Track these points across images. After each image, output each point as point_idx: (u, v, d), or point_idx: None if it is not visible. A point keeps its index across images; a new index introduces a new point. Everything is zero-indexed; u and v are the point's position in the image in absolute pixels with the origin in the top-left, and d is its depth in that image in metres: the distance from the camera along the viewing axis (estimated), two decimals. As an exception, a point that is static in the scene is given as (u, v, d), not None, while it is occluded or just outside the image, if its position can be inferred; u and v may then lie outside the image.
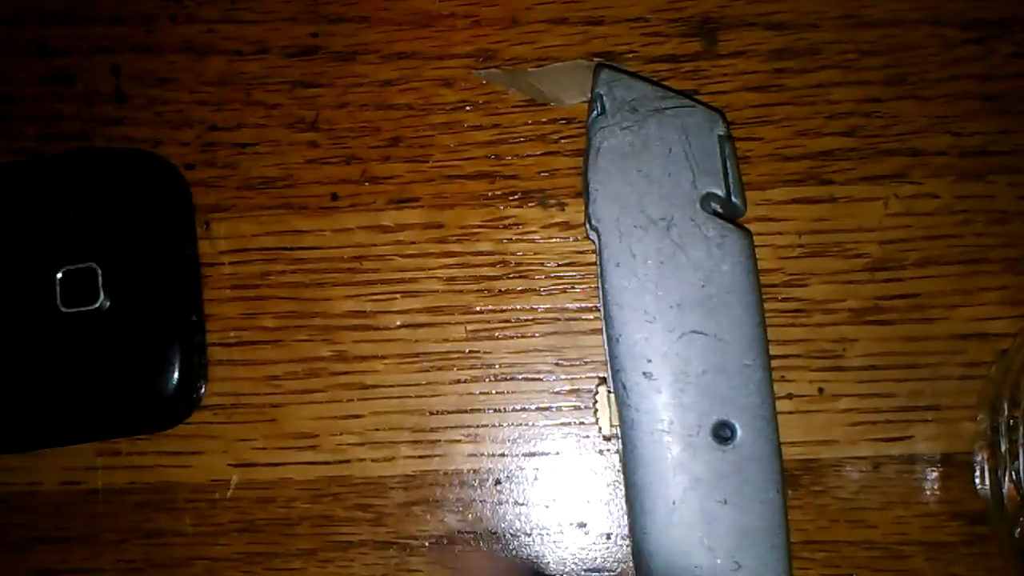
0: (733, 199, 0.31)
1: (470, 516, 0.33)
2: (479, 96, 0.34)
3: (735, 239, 0.30)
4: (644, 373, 0.30)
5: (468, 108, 0.34)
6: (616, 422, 0.30)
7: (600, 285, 0.31)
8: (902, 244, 0.33)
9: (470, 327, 0.34)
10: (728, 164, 0.31)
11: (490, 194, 0.34)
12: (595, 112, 0.31)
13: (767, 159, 0.33)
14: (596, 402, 0.31)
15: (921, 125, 0.33)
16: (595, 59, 0.34)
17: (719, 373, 0.30)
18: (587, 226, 0.31)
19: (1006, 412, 0.31)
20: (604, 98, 0.31)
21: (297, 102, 0.35)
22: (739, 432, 0.29)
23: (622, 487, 0.33)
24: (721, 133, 0.31)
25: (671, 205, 0.31)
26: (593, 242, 0.31)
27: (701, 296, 0.30)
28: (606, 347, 0.31)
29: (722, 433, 0.29)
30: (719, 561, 0.29)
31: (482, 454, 0.33)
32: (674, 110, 0.31)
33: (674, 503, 0.29)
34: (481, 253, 0.34)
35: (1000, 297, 0.33)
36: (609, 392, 0.31)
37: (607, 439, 0.31)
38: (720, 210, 0.31)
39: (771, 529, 0.29)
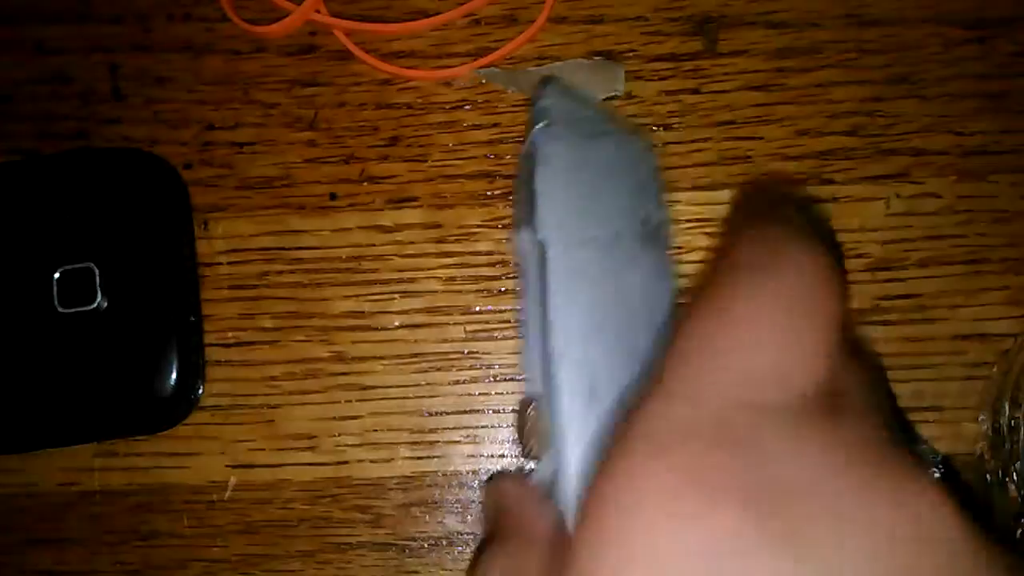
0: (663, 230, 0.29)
1: (469, 518, 0.33)
2: (478, 95, 0.34)
3: (670, 268, 0.28)
4: (586, 392, 0.27)
5: (467, 107, 0.34)
6: (547, 445, 0.27)
7: (535, 296, 0.28)
8: (904, 244, 0.33)
9: (469, 327, 0.33)
10: (661, 193, 0.29)
11: (489, 194, 0.34)
12: (543, 123, 0.30)
13: (768, 159, 0.33)
14: (527, 422, 0.29)
15: (923, 124, 0.33)
16: (596, 58, 0.34)
17: None
18: (520, 234, 0.29)
19: (1008, 413, 0.31)
20: (550, 111, 0.30)
21: (295, 101, 0.34)
22: None
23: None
24: (653, 165, 0.30)
25: (614, 225, 0.28)
26: (522, 251, 0.29)
27: (646, 320, 0.27)
28: (540, 362, 0.28)
29: None
30: None
31: (481, 455, 0.33)
32: (613, 136, 0.29)
33: None
34: (480, 253, 0.34)
35: (1002, 297, 0.33)
36: (539, 411, 0.28)
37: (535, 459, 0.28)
38: (656, 238, 0.29)
39: None
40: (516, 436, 0.31)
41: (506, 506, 0.25)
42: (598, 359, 0.27)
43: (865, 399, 0.18)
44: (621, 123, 0.31)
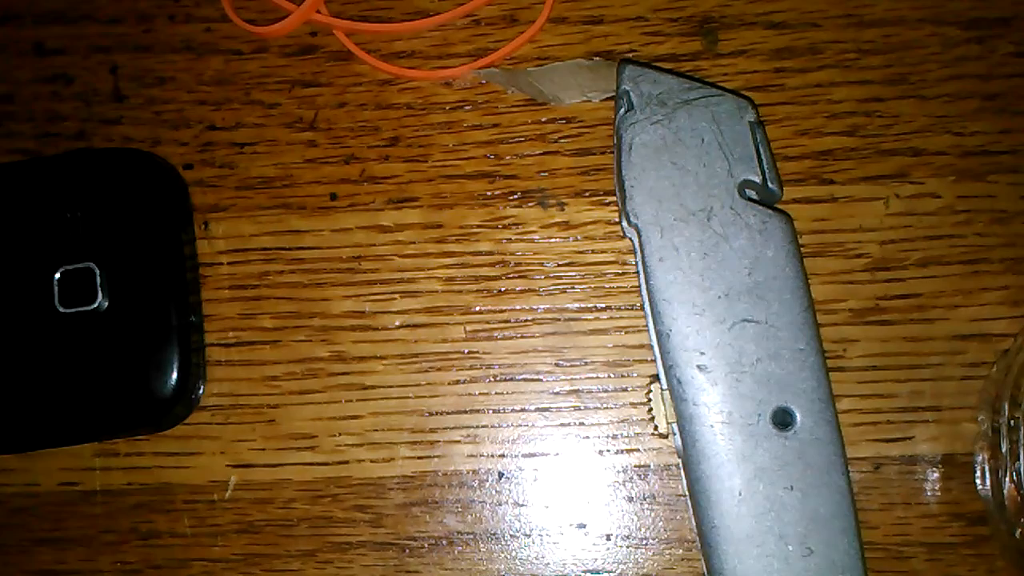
0: (769, 185, 0.30)
1: (469, 517, 0.33)
2: (478, 95, 0.34)
3: (777, 224, 0.30)
4: (698, 366, 0.30)
5: (467, 107, 0.34)
6: (672, 418, 0.30)
7: (643, 282, 0.30)
8: (903, 244, 0.33)
9: (469, 327, 0.33)
10: (761, 150, 0.30)
11: (489, 194, 0.34)
12: (622, 109, 0.31)
13: (767, 159, 0.33)
14: (650, 399, 0.31)
15: (922, 125, 0.33)
16: (595, 58, 0.34)
17: (773, 360, 0.29)
18: (624, 223, 0.31)
19: (1007, 413, 0.31)
20: (631, 94, 0.31)
21: (296, 101, 0.34)
22: (798, 417, 0.29)
23: (622, 488, 0.33)
24: (751, 120, 0.31)
25: (709, 195, 0.30)
26: (631, 240, 0.31)
27: (748, 284, 0.30)
28: (655, 343, 0.30)
29: (782, 420, 0.29)
30: (791, 548, 0.29)
31: (481, 455, 0.33)
32: (702, 100, 0.31)
33: (740, 494, 0.29)
34: (480, 253, 0.34)
35: (1001, 297, 0.33)
36: (663, 389, 0.30)
37: (663, 436, 0.31)
38: (757, 196, 0.31)
39: (839, 513, 0.29)
40: (647, 414, 0.32)
41: None
42: (703, 331, 0.30)
43: None
44: (706, 86, 0.31)
